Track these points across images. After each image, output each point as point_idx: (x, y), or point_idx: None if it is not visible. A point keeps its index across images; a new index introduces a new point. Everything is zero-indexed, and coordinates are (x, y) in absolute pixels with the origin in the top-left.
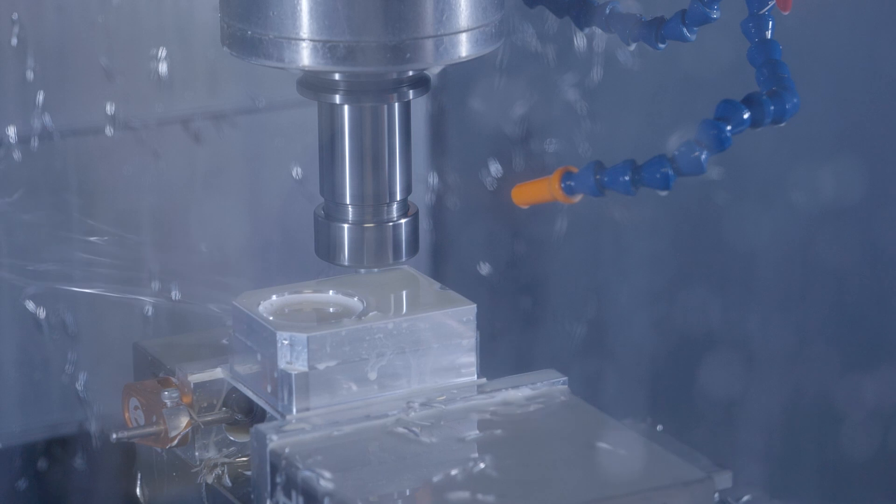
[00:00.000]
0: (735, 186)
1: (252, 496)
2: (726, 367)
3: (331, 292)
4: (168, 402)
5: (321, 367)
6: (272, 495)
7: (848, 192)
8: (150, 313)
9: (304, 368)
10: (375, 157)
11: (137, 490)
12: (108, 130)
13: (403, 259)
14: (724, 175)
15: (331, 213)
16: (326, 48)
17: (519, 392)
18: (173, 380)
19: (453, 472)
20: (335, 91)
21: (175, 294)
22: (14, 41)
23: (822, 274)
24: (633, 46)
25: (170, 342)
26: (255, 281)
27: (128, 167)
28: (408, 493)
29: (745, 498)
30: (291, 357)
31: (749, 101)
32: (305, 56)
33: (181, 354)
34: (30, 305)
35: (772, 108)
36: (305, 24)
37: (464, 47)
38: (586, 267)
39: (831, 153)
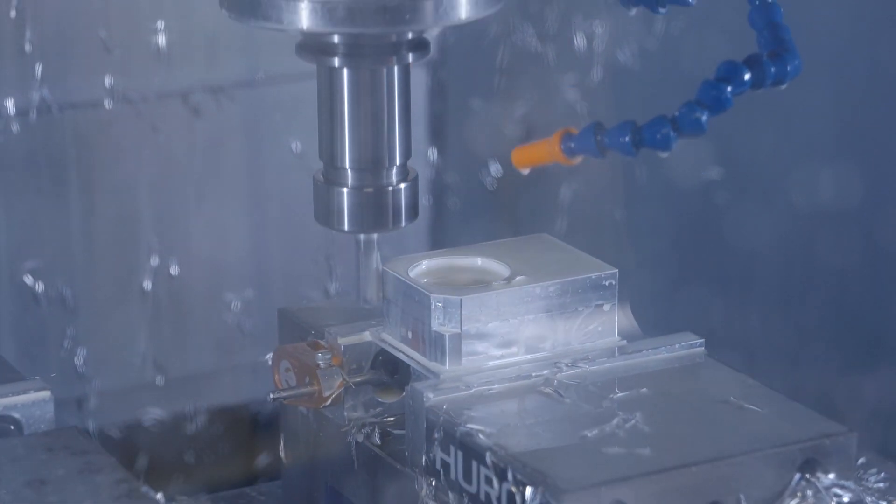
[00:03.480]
0: (735, 186)
1: (406, 453)
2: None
3: (478, 258)
4: (322, 364)
5: (472, 328)
6: (428, 451)
7: (848, 192)
8: (148, 288)
9: (457, 330)
10: (375, 120)
11: (281, 451)
12: (107, 103)
13: (403, 224)
14: (724, 175)
15: (330, 177)
16: (325, 9)
17: (659, 353)
18: (322, 343)
19: (606, 427)
20: (334, 54)
21: (174, 269)
22: (12, 13)
23: (822, 274)
24: (633, 12)
25: (313, 307)
26: (253, 256)
27: (127, 140)
28: (566, 447)
29: (861, 460)
30: (444, 319)
31: (750, 63)
32: (304, 17)
33: (327, 318)
34: (28, 279)
35: (773, 69)
36: None
37: (463, 9)
38: None
39: (831, 153)
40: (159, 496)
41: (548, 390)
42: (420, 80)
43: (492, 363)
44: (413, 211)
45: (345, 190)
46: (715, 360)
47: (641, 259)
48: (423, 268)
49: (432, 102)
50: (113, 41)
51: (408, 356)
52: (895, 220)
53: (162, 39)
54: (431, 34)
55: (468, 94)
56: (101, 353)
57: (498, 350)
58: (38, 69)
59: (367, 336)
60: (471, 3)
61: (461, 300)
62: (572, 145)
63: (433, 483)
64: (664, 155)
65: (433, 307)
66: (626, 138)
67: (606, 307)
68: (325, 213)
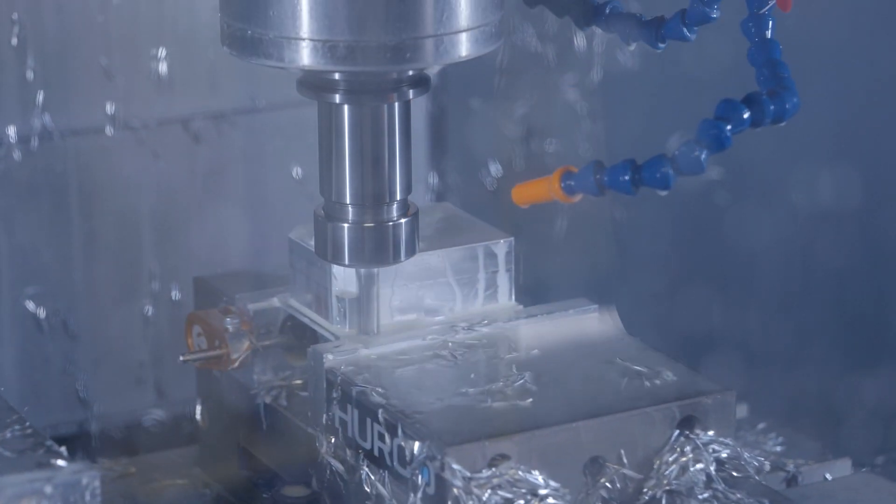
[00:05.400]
0: (735, 186)
1: (309, 413)
2: (726, 367)
3: None
4: (230, 328)
5: (372, 292)
6: (328, 410)
7: (848, 193)
8: (150, 313)
9: (356, 293)
10: (375, 156)
11: (197, 415)
12: (108, 130)
13: (403, 259)
14: (724, 175)
15: (331, 212)
16: (326, 48)
17: (553, 318)
18: (233, 308)
19: (494, 386)
20: (335, 90)
21: (175, 294)
22: (14, 41)
23: (822, 274)
24: (632, 46)
25: (228, 275)
26: (255, 281)
27: (128, 167)
28: (455, 405)
29: (761, 425)
30: (344, 283)
31: (749, 101)
32: (305, 56)
33: (240, 285)
34: (30, 305)
35: (772, 107)
36: (305, 23)
37: (464, 47)
38: (586, 267)
39: (831, 154)
40: (63, 449)
41: (443, 352)
42: None
43: (390, 326)
44: (413, 246)
45: (345, 225)
46: (608, 324)
47: (642, 259)
48: None
49: (432, 102)
50: (114, 68)
51: (312, 320)
52: (895, 220)
53: (163, 66)
54: (432, 70)
55: (468, 94)
56: (103, 378)
57: (397, 314)
58: (40, 96)
59: (275, 301)
60: (471, 41)
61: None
62: (572, 184)
63: (332, 440)
64: (663, 193)
65: (333, 272)
66: (626, 177)
67: (502, 273)
68: (326, 247)
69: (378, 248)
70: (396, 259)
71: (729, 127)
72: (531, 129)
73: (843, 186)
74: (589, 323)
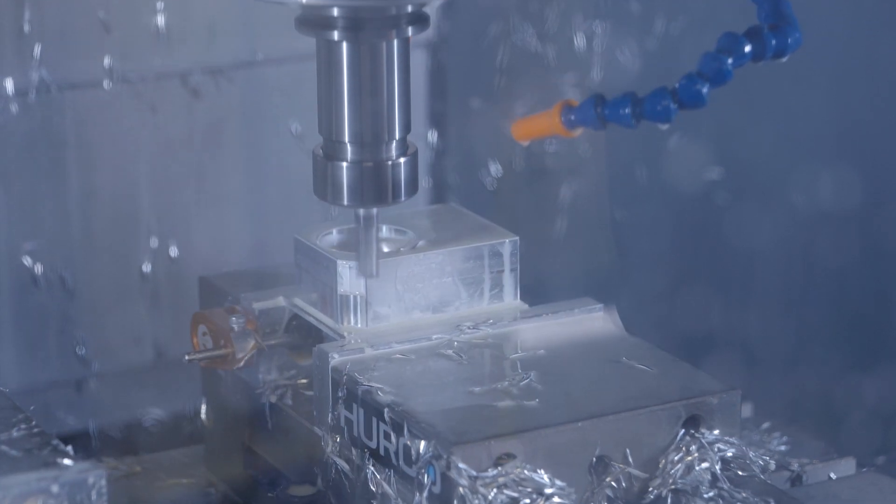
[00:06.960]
0: (735, 186)
1: (314, 412)
2: (726, 367)
3: (384, 228)
4: (235, 327)
5: (377, 292)
6: (333, 409)
7: (848, 193)
8: (148, 270)
9: (362, 293)
10: (374, 94)
11: (202, 414)
12: (106, 84)
13: (403, 198)
14: (724, 175)
15: (329, 151)
16: None
17: (558, 318)
18: (238, 308)
19: (500, 385)
20: (334, 28)
21: (173, 250)
22: None
23: (822, 274)
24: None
25: (233, 274)
26: (252, 237)
27: (126, 121)
28: (461, 404)
29: (765, 425)
30: (350, 283)
31: (750, 35)
32: None
33: (245, 285)
34: (27, 261)
35: (773, 42)
36: None
37: None
38: (586, 267)
39: (831, 154)
40: (69, 448)
41: (448, 351)
42: (420, 79)
43: (396, 325)
44: (412, 185)
45: (344, 164)
46: (612, 324)
47: (642, 259)
48: (333, 236)
49: (432, 103)
50: (112, 21)
51: (317, 319)
52: (895, 220)
53: (161, 20)
54: (431, 7)
55: (468, 94)
56: (100, 335)
57: (402, 313)
58: (37, 49)
59: (280, 301)
60: None
61: None
62: (572, 117)
63: (338, 440)
64: (664, 127)
65: (339, 271)
66: (627, 110)
67: (507, 272)
68: (324, 187)
69: (377, 188)
70: (396, 199)
71: (730, 60)
72: None
73: (844, 186)
74: (594, 322)
